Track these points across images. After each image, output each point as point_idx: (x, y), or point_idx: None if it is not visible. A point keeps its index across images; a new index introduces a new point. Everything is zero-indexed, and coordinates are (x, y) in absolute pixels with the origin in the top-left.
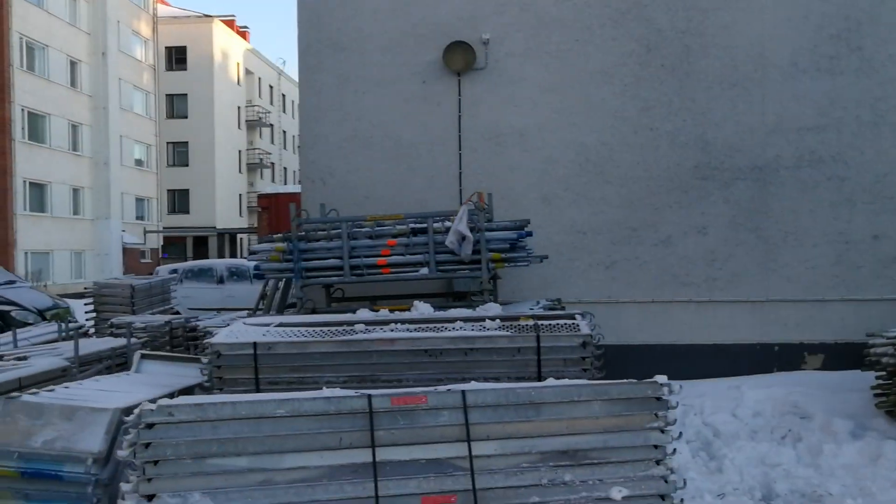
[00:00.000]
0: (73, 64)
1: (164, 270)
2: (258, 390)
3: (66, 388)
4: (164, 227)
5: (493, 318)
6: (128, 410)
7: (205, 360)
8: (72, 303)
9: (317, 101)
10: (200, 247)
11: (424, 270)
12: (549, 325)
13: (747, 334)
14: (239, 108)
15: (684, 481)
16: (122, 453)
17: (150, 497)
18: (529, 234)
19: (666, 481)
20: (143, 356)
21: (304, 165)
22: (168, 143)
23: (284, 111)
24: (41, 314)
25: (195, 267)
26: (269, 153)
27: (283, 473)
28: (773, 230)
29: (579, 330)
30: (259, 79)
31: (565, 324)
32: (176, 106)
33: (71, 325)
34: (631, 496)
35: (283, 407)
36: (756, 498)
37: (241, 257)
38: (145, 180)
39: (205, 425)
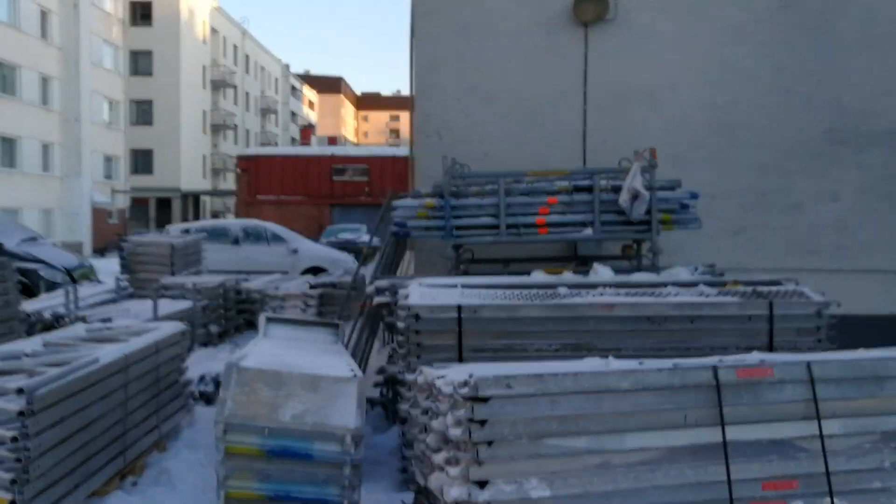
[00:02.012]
0: (43, 14)
1: (174, 230)
2: (461, 358)
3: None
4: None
5: (709, 284)
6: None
7: (400, 324)
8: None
9: (433, 49)
10: (163, 209)
11: (588, 231)
12: (779, 291)
13: (877, 306)
14: (204, 67)
15: None
16: (454, 432)
17: (483, 483)
18: (696, 195)
19: None
20: (269, 320)
21: (418, 119)
22: (132, 101)
23: (248, 72)
24: (69, 273)
25: (209, 227)
26: (234, 114)
27: (623, 455)
28: None
29: (810, 298)
30: (224, 38)
31: (794, 291)
32: (140, 63)
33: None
34: None
35: (627, 379)
36: None
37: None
38: (114, 138)
39: (543, 400)
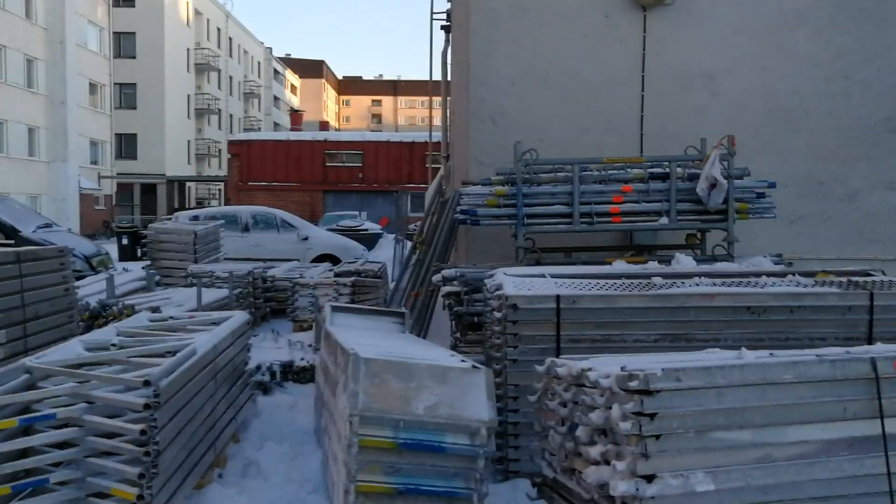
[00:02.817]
0: None
1: (183, 217)
2: (558, 350)
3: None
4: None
5: (799, 274)
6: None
7: (497, 314)
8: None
9: (489, 31)
10: (148, 195)
11: (664, 220)
12: (875, 281)
13: None
14: (188, 50)
15: None
16: (624, 426)
17: (650, 478)
18: (773, 184)
19: None
20: (335, 309)
21: (472, 103)
22: (115, 84)
23: (231, 56)
24: (87, 261)
25: (217, 214)
26: (218, 99)
27: (783, 448)
28: None
29: None
30: (207, 20)
31: (890, 281)
32: (123, 45)
33: (153, 273)
34: None
35: (791, 371)
36: None
37: (190, 207)
38: (100, 122)
39: (710, 392)
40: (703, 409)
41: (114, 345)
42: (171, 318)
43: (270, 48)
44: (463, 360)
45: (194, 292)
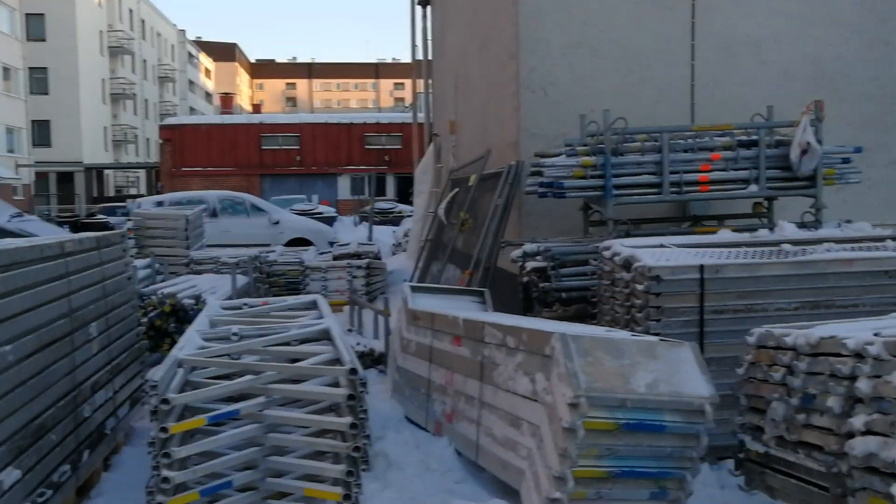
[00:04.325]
0: None
1: (147, 203)
2: (702, 322)
3: None
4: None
5: None
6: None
7: (640, 286)
8: None
9: (538, 1)
10: (65, 183)
11: (753, 188)
12: None
13: None
14: (101, 32)
15: None
16: None
17: None
18: (859, 149)
19: None
20: (414, 289)
21: (522, 74)
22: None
23: (145, 38)
24: None
25: (183, 199)
26: (133, 83)
27: None
28: None
29: None
30: (119, 1)
31: None
32: (32, 26)
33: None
34: None
35: None
36: None
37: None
38: (14, 108)
39: None
40: None
41: (234, 334)
42: (246, 305)
43: (184, 31)
44: (634, 335)
45: (212, 280)
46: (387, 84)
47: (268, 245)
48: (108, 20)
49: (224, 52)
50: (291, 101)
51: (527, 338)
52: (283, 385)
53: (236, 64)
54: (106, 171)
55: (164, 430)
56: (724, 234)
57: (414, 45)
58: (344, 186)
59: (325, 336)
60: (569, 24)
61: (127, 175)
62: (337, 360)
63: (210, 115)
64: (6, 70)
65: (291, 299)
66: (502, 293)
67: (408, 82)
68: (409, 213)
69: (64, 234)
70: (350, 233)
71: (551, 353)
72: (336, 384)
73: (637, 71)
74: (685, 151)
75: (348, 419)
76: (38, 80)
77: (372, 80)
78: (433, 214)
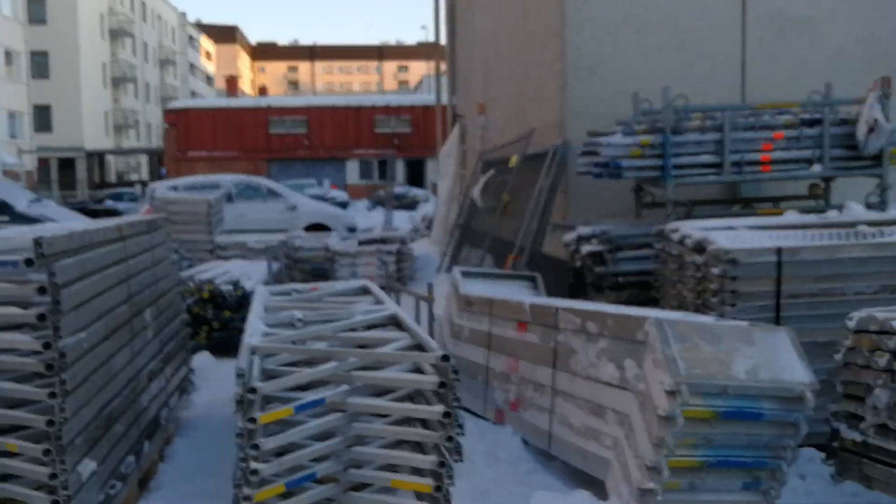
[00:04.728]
0: None
1: (160, 188)
2: (778, 306)
3: None
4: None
5: None
6: None
7: (716, 270)
8: None
9: None
10: (66, 169)
11: (817, 167)
12: None
13: None
14: (101, 15)
15: None
16: None
17: None
18: None
19: None
20: (465, 274)
21: (568, 53)
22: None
23: (145, 20)
24: None
25: (197, 184)
26: (134, 66)
27: None
28: None
29: None
30: None
31: None
32: (32, 9)
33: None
34: None
35: None
36: None
37: (111, 182)
38: (17, 92)
39: None
40: None
41: (300, 320)
42: (295, 291)
43: (184, 13)
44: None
45: (242, 266)
46: (390, 67)
47: (285, 230)
48: (108, 3)
49: (225, 34)
50: (293, 84)
51: (612, 323)
52: (369, 372)
53: (237, 47)
54: (107, 157)
55: (252, 420)
56: (791, 216)
57: (437, 26)
58: (353, 170)
59: (391, 322)
60: (615, 2)
61: (128, 160)
62: (415, 347)
63: (216, 98)
64: (8, 54)
65: (339, 285)
66: (546, 278)
67: (412, 65)
68: (423, 197)
69: (86, 220)
70: (364, 217)
71: (644, 338)
72: (417, 371)
73: (685, 49)
74: (746, 130)
75: (440, 408)
76: (39, 65)
77: (375, 63)
78: (463, 197)
